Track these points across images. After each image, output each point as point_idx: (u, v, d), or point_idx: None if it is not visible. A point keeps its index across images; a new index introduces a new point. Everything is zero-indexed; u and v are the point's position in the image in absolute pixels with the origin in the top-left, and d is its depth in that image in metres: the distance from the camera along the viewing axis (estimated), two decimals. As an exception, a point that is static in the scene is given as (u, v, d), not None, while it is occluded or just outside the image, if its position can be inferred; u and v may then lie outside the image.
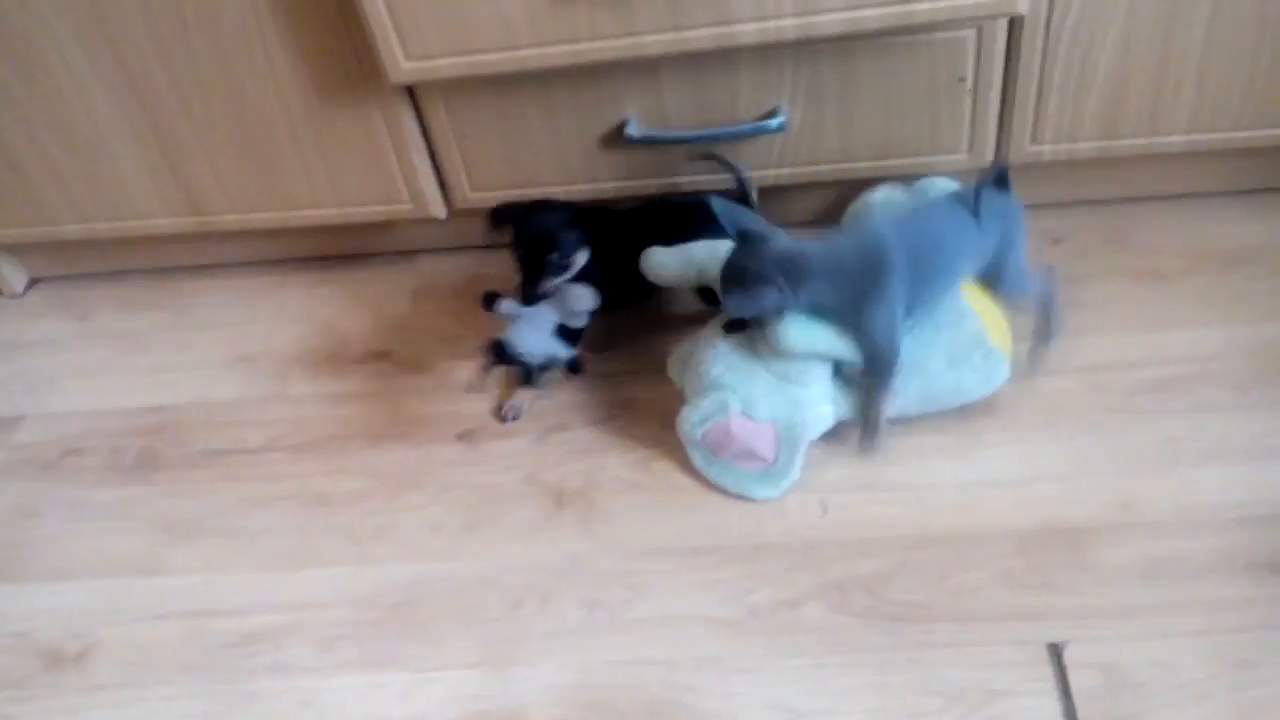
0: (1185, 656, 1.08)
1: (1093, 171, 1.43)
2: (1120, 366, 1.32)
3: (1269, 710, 1.04)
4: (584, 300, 1.33)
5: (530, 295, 1.31)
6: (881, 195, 1.39)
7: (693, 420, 1.25)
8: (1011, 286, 1.25)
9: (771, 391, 1.23)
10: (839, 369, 1.26)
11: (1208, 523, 1.17)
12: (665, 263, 1.31)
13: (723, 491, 1.27)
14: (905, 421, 1.27)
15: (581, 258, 1.33)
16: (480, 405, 1.41)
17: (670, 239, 1.32)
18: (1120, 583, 1.14)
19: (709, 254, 1.28)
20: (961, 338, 1.23)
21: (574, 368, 1.39)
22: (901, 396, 1.24)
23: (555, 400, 1.40)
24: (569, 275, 1.33)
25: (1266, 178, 1.45)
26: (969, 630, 1.13)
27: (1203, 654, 1.08)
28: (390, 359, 1.50)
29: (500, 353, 1.31)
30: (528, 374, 1.35)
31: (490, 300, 1.34)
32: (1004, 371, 1.25)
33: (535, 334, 1.33)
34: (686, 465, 1.30)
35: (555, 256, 1.31)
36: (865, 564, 1.20)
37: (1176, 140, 1.35)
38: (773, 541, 1.23)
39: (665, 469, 1.31)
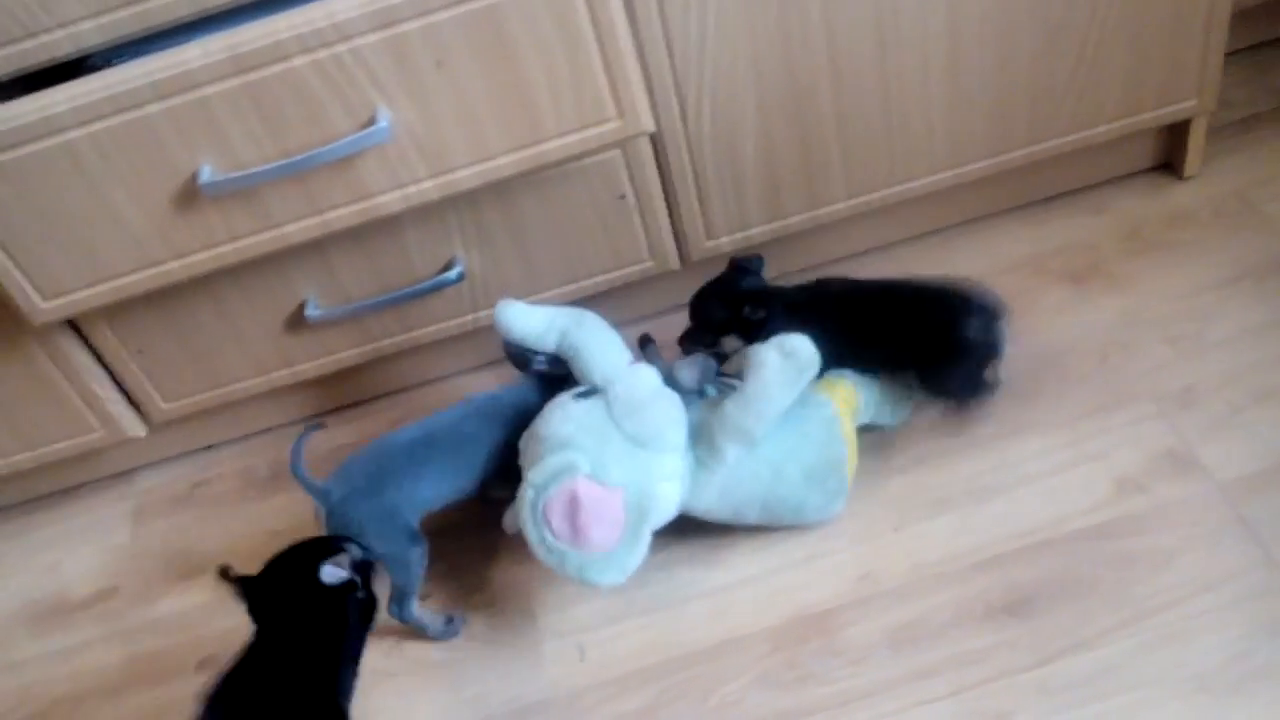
0: (943, 722, 1.09)
1: (783, 245, 1.46)
2: (839, 435, 1.34)
3: (1030, 755, 1.06)
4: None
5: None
6: None
7: (537, 482, 1.14)
8: None
9: (624, 456, 1.16)
10: (693, 442, 1.21)
11: (943, 576, 1.19)
12: (527, 318, 1.22)
13: (564, 579, 1.16)
14: (739, 526, 1.25)
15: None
16: (219, 625, 1.34)
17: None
18: (871, 660, 1.15)
19: (573, 320, 1.22)
20: (826, 457, 1.22)
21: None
22: (744, 498, 1.21)
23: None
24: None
25: (937, 219, 1.52)
26: (739, 746, 1.12)
27: (960, 715, 1.09)
28: (118, 595, 1.41)
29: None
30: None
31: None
32: (840, 505, 1.24)
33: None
34: (439, 643, 1.26)
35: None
36: (630, 701, 1.17)
37: (841, 207, 1.40)
38: (537, 700, 1.20)
39: (417, 650, 1.26)
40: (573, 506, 1.13)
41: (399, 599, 1.22)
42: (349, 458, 1.23)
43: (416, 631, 1.25)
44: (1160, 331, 1.35)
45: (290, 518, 1.42)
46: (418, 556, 1.20)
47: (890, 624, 1.17)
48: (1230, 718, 1.04)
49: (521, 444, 1.22)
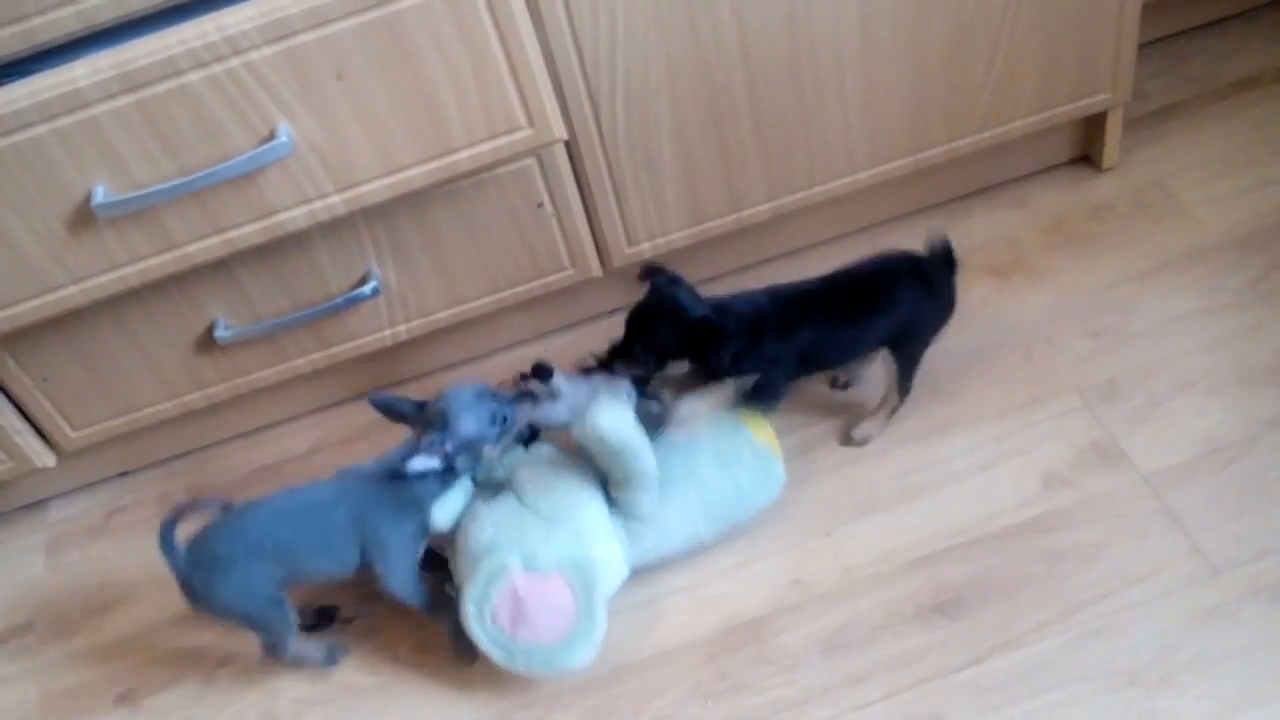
0: (877, 727, 1.08)
1: (706, 249, 1.44)
2: (768, 438, 1.33)
3: (963, 757, 1.05)
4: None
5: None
6: None
7: (474, 597, 1.11)
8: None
9: (549, 537, 1.14)
10: (613, 501, 1.18)
11: (873, 579, 1.18)
12: (450, 510, 1.18)
13: (539, 677, 1.16)
14: (699, 549, 1.22)
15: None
16: (138, 658, 1.29)
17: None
18: (804, 666, 1.14)
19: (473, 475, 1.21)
20: (726, 435, 1.21)
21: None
22: (683, 518, 1.19)
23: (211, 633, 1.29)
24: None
25: (859, 218, 1.51)
26: (672, 762, 1.10)
27: (894, 718, 1.08)
28: (32, 630, 1.36)
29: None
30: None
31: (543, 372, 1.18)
32: (779, 471, 1.22)
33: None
34: (366, 664, 1.23)
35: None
36: (560, 718, 1.15)
37: (762, 209, 1.38)
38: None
39: (344, 675, 1.23)
40: (517, 604, 1.11)
41: (269, 650, 1.19)
42: (207, 528, 1.16)
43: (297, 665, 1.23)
44: (1083, 324, 1.35)
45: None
46: (278, 617, 1.16)
47: (822, 629, 1.16)
48: (1161, 711, 1.04)
49: (452, 564, 1.20)
